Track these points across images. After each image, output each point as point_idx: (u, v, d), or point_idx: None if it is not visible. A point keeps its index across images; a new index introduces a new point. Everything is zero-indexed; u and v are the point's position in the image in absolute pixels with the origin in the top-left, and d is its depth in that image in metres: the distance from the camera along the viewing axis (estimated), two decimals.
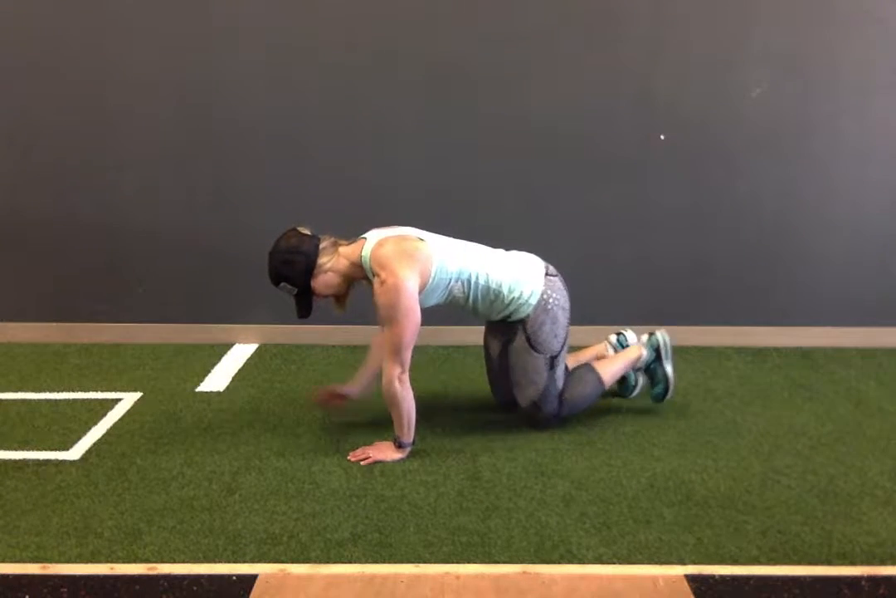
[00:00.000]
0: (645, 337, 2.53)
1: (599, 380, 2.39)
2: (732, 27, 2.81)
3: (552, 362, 2.29)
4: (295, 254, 2.10)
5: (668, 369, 2.48)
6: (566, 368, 2.39)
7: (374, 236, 2.18)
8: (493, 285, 2.21)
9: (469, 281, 2.20)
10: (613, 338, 2.62)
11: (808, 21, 2.80)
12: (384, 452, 2.19)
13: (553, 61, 2.85)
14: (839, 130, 2.91)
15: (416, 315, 2.08)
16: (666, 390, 2.48)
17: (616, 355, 2.52)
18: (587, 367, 2.43)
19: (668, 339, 2.51)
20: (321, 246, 2.14)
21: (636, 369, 2.53)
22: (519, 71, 2.86)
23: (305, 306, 2.19)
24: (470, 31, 2.83)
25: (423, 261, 2.11)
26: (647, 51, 2.84)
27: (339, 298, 2.25)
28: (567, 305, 2.32)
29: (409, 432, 2.17)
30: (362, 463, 2.16)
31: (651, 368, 2.51)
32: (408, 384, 2.11)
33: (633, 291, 3.10)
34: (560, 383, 2.33)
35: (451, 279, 2.18)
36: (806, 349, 3.11)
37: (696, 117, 2.91)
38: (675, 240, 3.05)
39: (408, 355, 2.09)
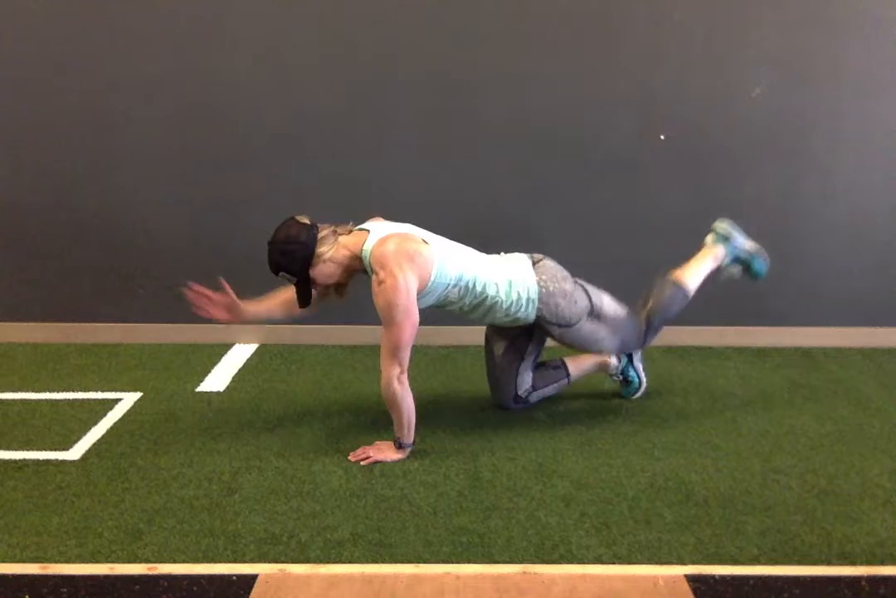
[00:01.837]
0: (710, 237, 2.52)
1: (678, 283, 2.40)
2: (732, 28, 2.81)
3: (595, 316, 2.30)
4: (292, 244, 2.09)
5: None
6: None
7: (377, 231, 2.16)
8: (490, 292, 2.21)
9: (466, 288, 2.19)
10: None
11: (808, 21, 2.80)
12: (384, 452, 2.19)
13: (553, 62, 2.85)
14: (839, 130, 2.91)
15: (415, 316, 2.07)
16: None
17: (692, 259, 2.52)
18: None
19: (730, 225, 2.53)
20: (320, 235, 2.12)
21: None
22: (519, 71, 2.86)
23: (305, 295, 2.17)
24: (470, 32, 2.82)
25: (423, 264, 2.10)
26: (647, 51, 2.84)
27: (339, 287, 2.24)
28: (564, 273, 2.31)
29: (409, 432, 2.17)
30: (362, 463, 2.16)
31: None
32: (407, 385, 2.11)
33: (633, 292, 3.09)
34: (621, 319, 2.33)
35: (448, 285, 2.17)
36: (806, 349, 3.11)
37: (696, 117, 2.91)
38: (675, 240, 3.03)
39: (406, 356, 2.09)
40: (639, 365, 2.55)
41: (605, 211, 3.02)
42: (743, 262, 2.52)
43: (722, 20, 2.80)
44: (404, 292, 2.04)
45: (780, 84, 2.86)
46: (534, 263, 2.30)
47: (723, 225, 2.51)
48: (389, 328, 2.06)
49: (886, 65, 2.83)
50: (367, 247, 2.12)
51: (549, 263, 2.32)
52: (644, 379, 2.57)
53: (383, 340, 2.09)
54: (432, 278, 2.13)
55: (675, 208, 3.01)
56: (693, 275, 2.46)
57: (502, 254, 2.36)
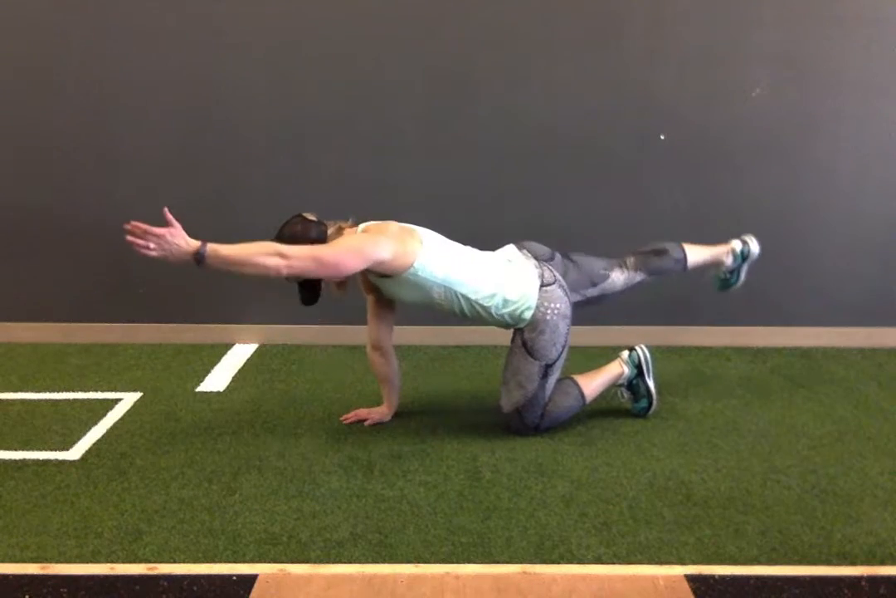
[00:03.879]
0: (625, 354, 2.47)
1: (581, 394, 2.35)
2: (732, 27, 2.81)
3: (546, 370, 2.26)
4: (302, 240, 2.09)
5: (651, 383, 2.45)
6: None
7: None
8: (482, 301, 2.20)
9: (455, 293, 2.18)
10: (738, 245, 2.57)
11: (808, 21, 2.80)
12: (174, 243, 1.91)
13: (553, 61, 2.85)
14: (839, 130, 2.91)
15: (359, 261, 2.02)
16: (649, 404, 2.45)
17: (598, 370, 2.46)
18: (570, 380, 2.38)
19: (648, 354, 2.46)
20: (328, 233, 2.14)
21: (618, 385, 2.48)
22: (519, 71, 2.86)
23: (312, 292, 2.17)
24: (470, 30, 2.83)
25: (404, 242, 2.11)
26: (647, 51, 2.84)
27: (340, 283, 2.23)
28: (569, 311, 2.29)
29: (220, 258, 1.93)
30: (140, 248, 1.90)
31: (634, 383, 2.47)
32: (282, 273, 1.98)
33: (633, 292, 3.10)
34: (548, 394, 2.29)
35: (433, 283, 2.15)
36: (806, 349, 3.11)
37: (696, 117, 2.91)
38: (674, 240, 3.04)
39: (309, 267, 1.99)
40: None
41: (604, 210, 3.02)
42: (636, 393, 2.47)
43: (722, 20, 2.80)
44: (370, 242, 2.07)
45: (780, 84, 2.86)
46: (543, 285, 2.26)
47: (644, 353, 2.46)
48: (327, 247, 2.05)
49: (886, 65, 2.84)
50: (359, 230, 2.19)
51: (559, 293, 2.27)
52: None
53: (314, 249, 2.02)
54: (414, 265, 2.10)
55: (675, 208, 3.01)
56: (595, 387, 2.40)
57: (517, 258, 2.33)
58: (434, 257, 2.14)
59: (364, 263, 2.04)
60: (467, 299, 2.20)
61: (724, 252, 2.56)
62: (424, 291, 2.17)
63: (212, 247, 1.93)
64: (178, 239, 1.92)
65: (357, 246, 2.07)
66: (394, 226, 2.18)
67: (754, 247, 2.59)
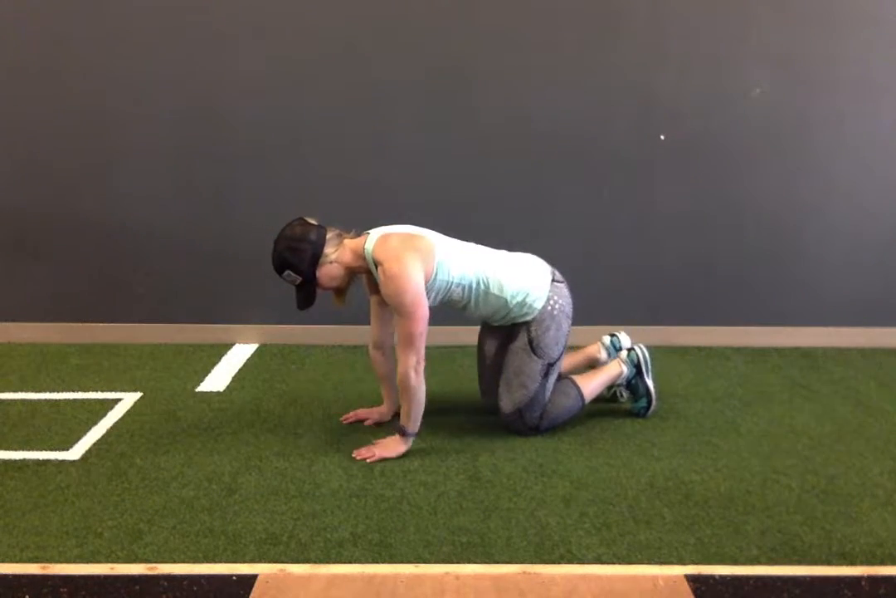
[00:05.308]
0: (624, 353, 2.48)
1: (580, 395, 2.36)
2: (732, 27, 2.81)
3: (548, 369, 2.28)
4: (302, 242, 2.09)
5: (650, 383, 2.45)
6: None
7: (378, 231, 2.19)
8: (496, 292, 2.21)
9: (470, 288, 2.20)
10: (607, 339, 2.60)
11: (808, 21, 2.80)
12: (388, 447, 2.20)
13: (553, 61, 2.85)
14: (839, 129, 2.91)
15: (425, 302, 2.09)
16: (649, 404, 2.46)
17: (597, 370, 2.47)
18: (569, 381, 2.39)
19: (647, 353, 2.47)
20: (327, 237, 2.14)
21: (617, 385, 2.49)
22: (519, 71, 2.86)
23: (307, 297, 2.17)
24: (470, 31, 2.83)
25: (425, 256, 2.12)
26: (647, 51, 2.84)
27: (340, 291, 2.24)
28: (570, 312, 2.32)
29: (415, 422, 2.17)
30: (368, 461, 2.16)
31: (633, 383, 2.47)
32: (422, 375, 2.12)
33: (633, 292, 3.11)
34: (549, 394, 2.31)
35: (451, 283, 2.17)
36: (806, 349, 3.11)
37: (696, 117, 2.91)
38: (675, 240, 3.05)
39: (422, 344, 2.10)
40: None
41: (604, 211, 3.02)
42: (635, 392, 2.47)
43: (722, 20, 2.80)
44: (411, 278, 2.05)
45: (780, 84, 2.86)
46: (553, 280, 2.30)
47: (643, 352, 2.46)
48: (402, 316, 2.07)
49: (886, 65, 2.84)
50: (369, 245, 2.14)
51: (565, 291, 2.32)
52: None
53: (398, 330, 2.10)
54: (434, 273, 2.14)
55: (675, 208, 3.01)
56: (595, 387, 2.41)
57: (524, 254, 2.35)
58: (446, 258, 2.16)
59: (425, 295, 2.11)
60: (486, 292, 2.21)
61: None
62: (442, 293, 2.19)
63: (406, 429, 2.18)
64: (388, 446, 2.21)
65: (413, 298, 2.06)
66: (400, 244, 2.12)
67: (623, 339, 2.58)
